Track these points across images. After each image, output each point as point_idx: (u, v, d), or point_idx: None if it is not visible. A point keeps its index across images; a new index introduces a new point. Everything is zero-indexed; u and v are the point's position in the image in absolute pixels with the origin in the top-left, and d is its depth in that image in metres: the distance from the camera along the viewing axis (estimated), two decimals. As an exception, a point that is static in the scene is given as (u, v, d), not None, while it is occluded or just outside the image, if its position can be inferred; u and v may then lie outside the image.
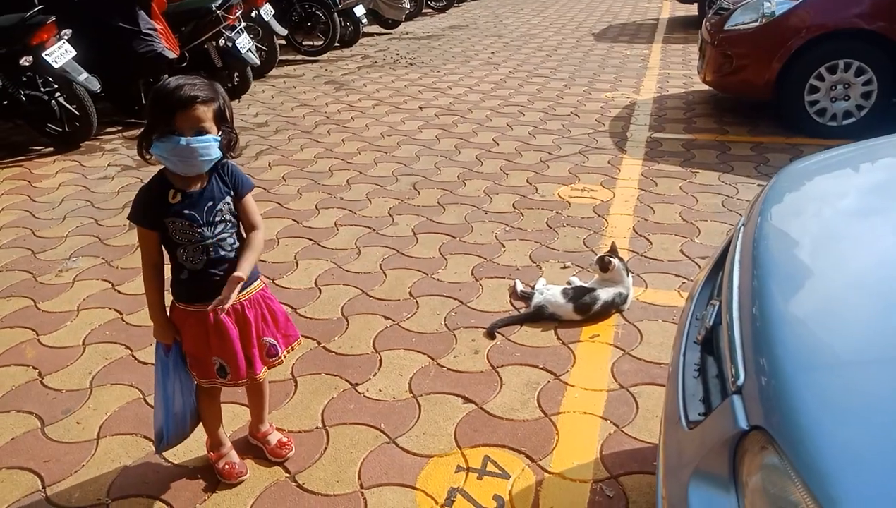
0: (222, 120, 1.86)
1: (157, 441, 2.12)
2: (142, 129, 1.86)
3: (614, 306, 2.96)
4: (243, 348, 2.00)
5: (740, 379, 1.25)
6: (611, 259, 3.00)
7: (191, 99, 1.77)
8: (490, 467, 2.17)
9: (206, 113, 1.80)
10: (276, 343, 2.09)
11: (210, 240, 1.91)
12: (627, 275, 3.02)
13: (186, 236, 1.88)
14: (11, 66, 5.29)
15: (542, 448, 2.24)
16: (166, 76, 6.20)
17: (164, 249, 1.94)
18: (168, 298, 2.00)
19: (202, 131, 1.80)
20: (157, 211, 1.86)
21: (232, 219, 1.96)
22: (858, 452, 1.01)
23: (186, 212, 1.86)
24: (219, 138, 1.84)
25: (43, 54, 5.21)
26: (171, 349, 2.01)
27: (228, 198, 1.94)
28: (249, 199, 2.00)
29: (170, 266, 1.97)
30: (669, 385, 1.63)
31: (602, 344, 2.79)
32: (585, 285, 3.05)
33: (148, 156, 1.85)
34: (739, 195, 4.22)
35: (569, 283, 3.15)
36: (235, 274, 1.87)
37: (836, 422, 1.06)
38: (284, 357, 2.14)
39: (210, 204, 1.90)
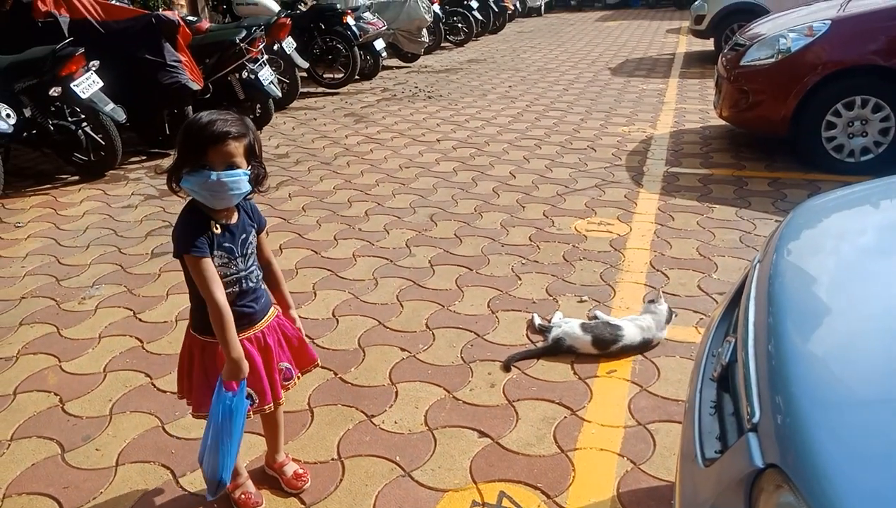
0: (252, 155, 1.90)
1: (214, 487, 1.96)
2: (171, 161, 1.88)
3: (636, 349, 2.93)
4: (267, 374, 2.04)
5: (756, 417, 1.25)
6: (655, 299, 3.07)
7: (223, 134, 1.80)
8: (505, 502, 2.17)
9: (237, 148, 1.83)
10: (290, 366, 2.14)
11: (244, 273, 1.97)
12: (664, 320, 3.00)
13: (223, 269, 1.91)
14: (41, 96, 5.44)
15: (559, 485, 2.23)
16: (190, 107, 6.40)
17: (187, 282, 1.95)
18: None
19: (233, 166, 1.82)
20: (205, 240, 1.87)
21: (255, 251, 2.02)
22: (874, 492, 1.01)
23: (227, 244, 1.91)
24: (248, 172, 1.87)
25: (71, 85, 5.36)
26: (240, 386, 1.90)
27: (254, 232, 2.01)
28: (264, 237, 2.10)
29: (192, 298, 1.99)
30: (685, 422, 1.62)
31: (619, 380, 2.78)
32: (611, 321, 3.05)
33: (177, 189, 1.88)
34: (757, 230, 4.21)
35: (595, 317, 3.16)
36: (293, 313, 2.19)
37: (851, 461, 1.06)
38: (297, 380, 2.18)
39: (244, 236, 1.96)
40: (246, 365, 1.91)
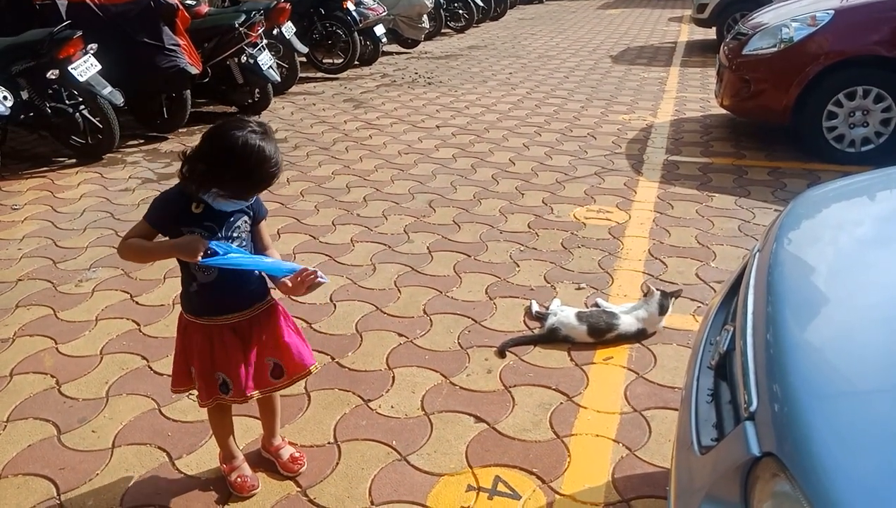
0: None
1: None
2: (199, 165, 1.81)
3: (632, 337, 2.93)
4: (244, 364, 2.02)
5: (753, 406, 1.25)
6: (650, 288, 3.06)
7: (279, 173, 1.87)
8: (501, 487, 2.17)
9: None
10: (280, 363, 2.11)
11: None
12: (660, 313, 2.96)
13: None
14: (38, 78, 5.40)
15: (554, 470, 2.24)
16: (188, 92, 6.35)
17: (178, 262, 1.95)
18: (174, 307, 2.03)
19: None
20: (176, 219, 1.89)
21: (247, 237, 2.00)
22: (870, 481, 1.01)
23: (207, 223, 1.90)
24: None
25: (69, 68, 5.32)
26: (212, 250, 1.84)
27: (246, 218, 1.99)
28: (264, 225, 2.09)
29: (180, 278, 2.00)
30: (682, 409, 1.63)
31: (616, 367, 2.79)
32: (607, 309, 3.05)
33: (197, 192, 1.85)
34: (756, 219, 4.21)
35: (596, 305, 3.16)
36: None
37: (848, 451, 1.06)
38: (289, 382, 2.14)
39: (231, 219, 1.94)
40: (187, 241, 1.85)
